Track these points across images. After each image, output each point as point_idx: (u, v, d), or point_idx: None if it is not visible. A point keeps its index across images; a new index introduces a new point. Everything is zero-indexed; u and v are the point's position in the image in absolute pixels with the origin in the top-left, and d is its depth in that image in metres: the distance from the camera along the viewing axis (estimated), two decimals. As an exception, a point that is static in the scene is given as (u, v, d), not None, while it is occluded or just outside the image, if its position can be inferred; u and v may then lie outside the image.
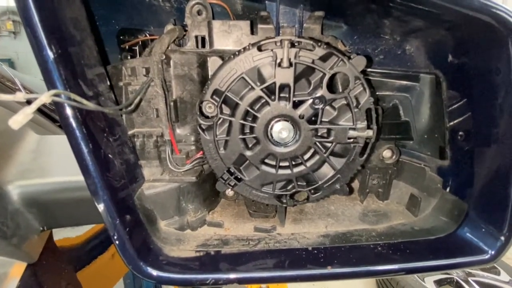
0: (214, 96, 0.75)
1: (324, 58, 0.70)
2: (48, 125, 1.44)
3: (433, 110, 0.88)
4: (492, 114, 0.71)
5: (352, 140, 0.74)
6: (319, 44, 0.69)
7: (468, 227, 0.78)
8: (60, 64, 0.57)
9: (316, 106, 0.72)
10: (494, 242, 0.72)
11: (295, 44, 0.69)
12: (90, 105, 0.57)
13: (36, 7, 0.53)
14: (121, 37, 0.98)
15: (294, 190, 0.81)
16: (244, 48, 0.71)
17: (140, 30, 0.99)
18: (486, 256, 0.73)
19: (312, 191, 0.81)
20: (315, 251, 0.77)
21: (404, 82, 0.89)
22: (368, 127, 0.72)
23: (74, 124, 0.59)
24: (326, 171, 0.79)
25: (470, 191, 0.79)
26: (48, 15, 0.56)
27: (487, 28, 0.61)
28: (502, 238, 0.71)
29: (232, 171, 0.80)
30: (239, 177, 0.80)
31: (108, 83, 0.75)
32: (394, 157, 0.94)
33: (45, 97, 0.52)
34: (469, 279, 2.45)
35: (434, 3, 0.59)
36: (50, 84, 0.56)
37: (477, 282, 2.44)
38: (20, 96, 0.51)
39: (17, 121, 0.50)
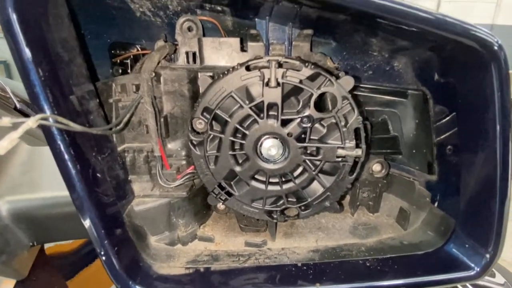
0: (204, 113, 0.75)
1: (311, 78, 0.71)
2: (42, 136, 1.42)
3: (421, 126, 0.89)
4: (475, 132, 0.72)
5: (341, 159, 0.74)
6: (306, 64, 0.70)
7: (455, 243, 0.79)
8: (47, 86, 0.57)
9: (304, 125, 0.72)
10: (479, 259, 0.73)
11: (282, 64, 0.70)
12: (77, 127, 0.57)
13: (23, 31, 0.53)
14: (113, 51, 0.99)
15: (284, 206, 0.81)
16: (233, 68, 0.72)
17: (131, 44, 0.99)
18: (472, 273, 0.74)
19: (302, 207, 0.81)
20: (305, 267, 0.78)
21: (393, 98, 0.91)
22: (357, 146, 0.73)
23: (61, 146, 0.59)
24: (316, 188, 0.79)
25: (456, 207, 0.80)
26: (36, 37, 0.56)
27: (471, 51, 0.62)
28: (487, 255, 0.72)
29: (223, 185, 0.80)
30: (230, 192, 0.81)
31: (97, 100, 0.75)
32: (383, 171, 0.95)
33: (31, 122, 0.52)
34: (464, 281, 2.46)
35: (417, 26, 0.60)
36: (38, 107, 0.56)
37: (472, 285, 2.45)
38: (6, 121, 0.51)
39: (2, 146, 0.50)
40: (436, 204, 0.87)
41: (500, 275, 2.50)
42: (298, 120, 0.72)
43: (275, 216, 0.83)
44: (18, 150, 1.08)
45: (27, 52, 0.54)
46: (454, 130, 0.79)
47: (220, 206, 0.99)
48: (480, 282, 2.46)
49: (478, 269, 0.73)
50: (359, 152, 0.72)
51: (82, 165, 0.62)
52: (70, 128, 0.56)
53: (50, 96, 0.57)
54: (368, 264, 0.80)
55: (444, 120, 0.81)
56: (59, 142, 0.58)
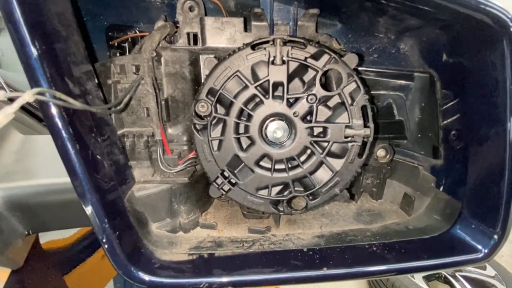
0: (209, 96, 0.73)
1: (316, 57, 0.70)
2: (34, 125, 1.38)
3: (427, 110, 0.88)
4: (485, 113, 0.72)
5: (349, 138, 0.72)
6: (311, 42, 0.69)
7: (462, 226, 0.78)
8: (44, 61, 0.54)
9: (310, 103, 0.71)
10: (487, 241, 0.73)
11: (287, 42, 0.69)
12: (76, 104, 0.54)
13: (18, 2, 0.50)
14: (110, 34, 0.95)
15: (291, 195, 0.77)
16: (238, 48, 0.70)
17: (129, 26, 0.95)
18: (480, 255, 0.73)
19: (310, 196, 0.78)
20: (310, 252, 0.76)
21: (398, 81, 0.89)
22: (365, 126, 0.72)
23: (59, 124, 0.56)
24: (324, 175, 0.77)
25: (463, 190, 0.79)
26: (31, 10, 0.53)
27: (482, 27, 0.61)
28: (495, 236, 0.71)
29: (226, 174, 0.77)
30: (233, 181, 0.77)
31: (96, 81, 0.72)
32: (388, 156, 0.94)
33: (28, 96, 0.49)
34: (457, 274, 2.50)
35: (430, 1, 0.59)
36: (34, 82, 0.53)
37: (464, 277, 2.49)
38: (1, 94, 0.48)
39: (-3, 121, 0.47)
40: (441, 189, 0.86)
41: (491, 267, 2.55)
42: (304, 99, 0.71)
43: (281, 209, 0.79)
44: (11, 139, 1.05)
45: (22, 23, 0.51)
46: (461, 113, 0.78)
47: (223, 192, 0.97)
48: (471, 274, 2.51)
49: (485, 251, 0.72)
50: (367, 131, 0.70)
51: (81, 146, 0.59)
52: (69, 104, 0.54)
53: (47, 71, 0.54)
54: (374, 249, 0.79)
55: (451, 103, 0.80)
56: (57, 119, 0.55)
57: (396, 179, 1.01)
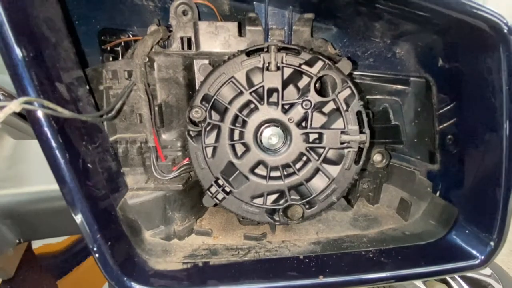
0: (203, 102, 0.72)
1: (310, 63, 0.69)
2: (27, 129, 1.36)
3: (423, 114, 0.87)
4: (481, 118, 0.71)
5: (345, 144, 0.72)
6: (305, 49, 0.69)
7: (458, 232, 0.78)
8: (31, 67, 0.52)
9: (305, 109, 0.70)
10: (484, 248, 0.72)
11: (282, 49, 0.69)
12: (66, 112, 0.53)
13: (3, 6, 0.49)
14: (102, 38, 0.94)
15: (287, 204, 0.76)
16: (233, 55, 0.69)
17: (122, 30, 0.94)
18: (476, 262, 0.72)
19: (307, 205, 0.76)
20: (307, 260, 0.75)
21: (394, 86, 0.89)
22: (361, 132, 0.71)
23: (48, 133, 0.54)
24: (321, 182, 0.75)
25: (459, 195, 0.79)
26: (18, 15, 0.51)
27: (478, 33, 0.60)
28: (492, 243, 0.71)
29: (221, 182, 0.75)
30: (227, 189, 0.75)
31: (87, 87, 0.70)
32: (384, 161, 0.94)
33: (14, 106, 0.48)
34: (454, 273, 2.50)
35: (426, 7, 0.58)
36: (21, 90, 0.52)
37: (461, 276, 2.49)
38: (-15, 105, 0.47)
39: (-18, 132, 0.45)
40: (438, 194, 0.86)
41: (487, 266, 2.56)
42: (299, 105, 0.70)
43: (277, 218, 0.78)
44: (2, 144, 1.02)
45: (9, 29, 0.49)
46: (457, 118, 0.78)
47: (217, 199, 0.95)
48: (469, 273, 2.51)
49: (482, 257, 0.72)
50: (363, 137, 0.69)
51: (71, 155, 0.58)
52: (58, 113, 0.52)
53: (35, 79, 0.52)
54: (370, 255, 0.78)
55: (447, 108, 0.79)
56: (45, 128, 0.54)
57: (393, 184, 1.01)
